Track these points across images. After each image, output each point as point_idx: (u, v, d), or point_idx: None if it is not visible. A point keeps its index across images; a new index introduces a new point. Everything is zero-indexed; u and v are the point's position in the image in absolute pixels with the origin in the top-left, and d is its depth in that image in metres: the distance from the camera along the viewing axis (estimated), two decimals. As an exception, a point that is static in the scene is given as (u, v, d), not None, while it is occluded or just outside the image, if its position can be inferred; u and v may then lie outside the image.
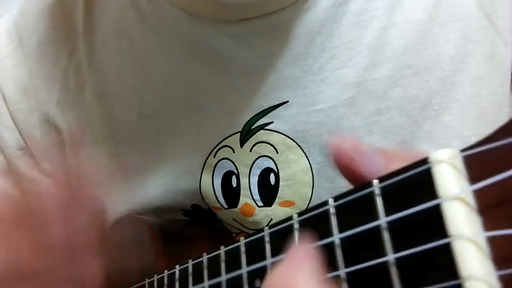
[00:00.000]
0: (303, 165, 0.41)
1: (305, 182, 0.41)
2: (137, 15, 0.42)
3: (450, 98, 0.38)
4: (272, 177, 0.41)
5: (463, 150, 0.17)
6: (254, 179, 0.42)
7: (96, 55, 0.44)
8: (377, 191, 0.19)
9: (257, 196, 0.42)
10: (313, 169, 0.41)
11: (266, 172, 0.42)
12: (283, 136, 0.41)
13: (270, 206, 0.42)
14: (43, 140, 0.47)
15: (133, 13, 0.42)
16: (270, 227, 0.24)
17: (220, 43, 0.40)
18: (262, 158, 0.41)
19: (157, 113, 0.43)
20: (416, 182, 0.18)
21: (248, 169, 0.42)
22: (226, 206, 0.43)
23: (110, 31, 0.43)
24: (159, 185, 0.44)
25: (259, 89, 0.40)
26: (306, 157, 0.41)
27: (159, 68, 0.42)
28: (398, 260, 0.18)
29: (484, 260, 0.16)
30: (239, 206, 0.43)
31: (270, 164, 0.41)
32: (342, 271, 0.20)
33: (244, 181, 0.42)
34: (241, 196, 0.42)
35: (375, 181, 0.19)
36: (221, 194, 0.43)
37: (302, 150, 0.41)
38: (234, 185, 0.42)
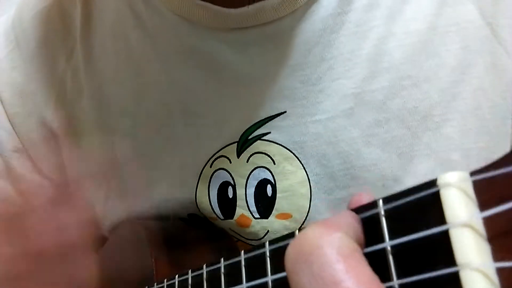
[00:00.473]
0: (301, 177, 0.40)
1: (303, 194, 0.40)
2: (135, 19, 0.42)
3: (450, 110, 0.38)
4: (269, 189, 0.41)
5: (472, 174, 0.17)
6: (251, 190, 0.41)
7: (94, 59, 0.43)
8: (382, 212, 0.18)
9: (253, 208, 0.41)
10: (310, 180, 0.40)
11: (263, 183, 0.41)
12: (281, 147, 0.40)
13: (267, 218, 0.41)
14: (41, 144, 0.46)
15: (130, 18, 0.42)
16: (271, 243, 0.24)
17: (217, 51, 0.39)
18: (259, 169, 0.41)
19: (152, 120, 0.42)
20: (423, 205, 0.17)
21: (245, 180, 0.41)
22: (222, 217, 0.42)
23: (107, 35, 0.43)
24: (154, 194, 0.43)
25: (256, 99, 0.40)
26: (304, 168, 0.40)
27: (156, 75, 0.41)
28: (402, 287, 0.17)
29: (493, 290, 0.15)
30: (235, 217, 0.42)
31: (267, 175, 0.41)
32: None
33: (240, 192, 0.41)
34: (237, 207, 0.42)
35: (380, 202, 0.18)
36: (217, 205, 0.42)
37: (300, 161, 0.40)
38: (231, 196, 0.41)
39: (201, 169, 0.41)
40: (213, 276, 0.27)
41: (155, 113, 0.42)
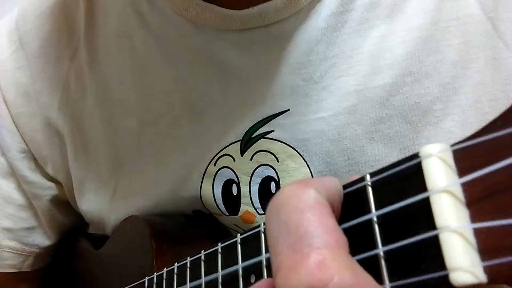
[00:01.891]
0: (304, 174, 0.41)
1: None
2: (139, 20, 0.42)
3: (451, 104, 0.38)
4: (273, 186, 0.42)
5: (453, 145, 0.17)
6: (255, 188, 0.42)
7: (98, 59, 0.44)
8: (368, 185, 0.19)
9: (257, 204, 0.42)
10: (314, 178, 0.41)
11: (266, 181, 0.42)
12: (284, 144, 0.41)
13: None
14: (46, 144, 0.47)
15: (135, 18, 0.42)
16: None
17: (221, 52, 0.40)
18: (262, 166, 0.42)
19: (157, 120, 0.43)
20: (406, 176, 0.18)
21: (249, 178, 0.42)
22: (227, 213, 0.43)
23: (111, 35, 0.44)
24: (159, 192, 0.44)
25: (260, 98, 0.40)
26: (307, 165, 0.41)
27: (160, 75, 0.42)
28: (387, 253, 0.18)
29: (470, 251, 0.16)
30: (239, 213, 0.43)
31: (270, 172, 0.42)
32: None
33: (244, 189, 0.42)
34: (241, 204, 0.42)
35: (367, 176, 0.19)
36: (221, 202, 0.43)
37: (303, 158, 0.41)
38: (235, 193, 0.42)
39: (205, 168, 0.42)
40: (211, 257, 0.28)
41: (160, 113, 0.43)
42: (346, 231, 0.19)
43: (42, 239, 0.53)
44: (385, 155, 0.39)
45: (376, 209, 0.19)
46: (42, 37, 0.46)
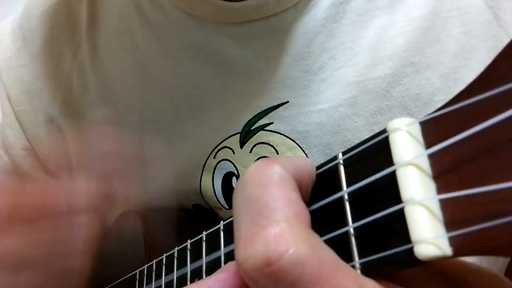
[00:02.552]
0: None
1: None
2: (140, 16, 0.43)
3: (452, 95, 0.37)
4: (273, 178, 0.41)
5: (421, 117, 0.17)
6: None
7: (100, 56, 0.45)
8: (340, 163, 0.19)
9: None
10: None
11: (266, 173, 0.41)
12: (284, 136, 0.41)
13: None
14: (48, 141, 0.48)
15: (135, 15, 0.43)
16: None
17: (222, 46, 0.40)
18: (262, 159, 0.41)
19: (158, 115, 0.43)
20: (375, 151, 0.18)
21: None
22: (227, 207, 0.43)
23: (113, 32, 0.44)
24: (160, 186, 0.44)
25: (259, 90, 0.40)
26: (307, 158, 0.41)
27: (161, 70, 0.43)
28: (357, 230, 0.17)
29: (435, 223, 0.15)
30: None
31: None
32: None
33: None
34: None
35: (340, 154, 0.19)
36: (221, 195, 0.43)
37: (303, 151, 0.41)
38: (235, 186, 0.42)
39: (204, 160, 0.42)
40: (196, 246, 0.28)
41: (161, 108, 0.43)
42: (318, 211, 0.19)
43: None
44: None
45: (347, 186, 0.18)
46: (45, 35, 0.47)
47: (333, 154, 0.39)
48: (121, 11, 0.44)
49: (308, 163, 0.20)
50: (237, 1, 0.39)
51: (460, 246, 0.15)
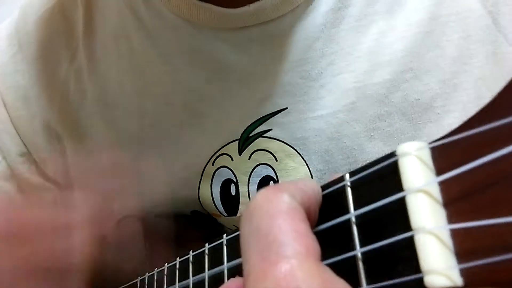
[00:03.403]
0: (303, 173, 0.40)
1: None
2: (136, 21, 0.42)
3: (452, 101, 0.37)
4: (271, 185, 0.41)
5: (431, 142, 0.17)
6: (253, 187, 0.42)
7: (97, 61, 0.44)
8: (348, 185, 0.19)
9: None
10: (313, 177, 0.40)
11: (265, 180, 0.41)
12: (282, 143, 0.40)
13: None
14: (46, 147, 0.47)
15: (132, 20, 0.42)
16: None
17: (219, 51, 0.40)
18: (261, 166, 0.41)
19: (156, 121, 0.43)
20: (383, 175, 0.17)
21: (247, 177, 0.42)
22: (225, 214, 0.43)
23: (110, 37, 0.43)
24: (158, 192, 0.44)
25: (257, 96, 0.40)
26: (306, 164, 0.40)
27: (159, 76, 0.42)
28: (365, 255, 0.17)
29: (446, 253, 0.15)
30: (238, 214, 0.42)
31: (269, 172, 0.41)
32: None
33: (243, 189, 0.42)
34: (240, 204, 0.42)
35: (347, 175, 0.19)
36: (220, 202, 0.42)
37: (302, 157, 0.40)
38: (233, 193, 0.42)
39: (203, 167, 0.42)
40: (198, 258, 0.28)
41: (159, 114, 0.42)
42: (325, 232, 0.19)
43: None
44: (385, 153, 0.38)
45: (355, 209, 0.18)
46: (41, 40, 0.46)
47: (333, 161, 0.39)
48: (118, 16, 0.43)
49: (315, 188, 0.19)
50: (234, 7, 0.38)
51: (471, 277, 0.15)
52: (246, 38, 0.39)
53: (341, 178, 0.19)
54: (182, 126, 0.42)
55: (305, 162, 0.40)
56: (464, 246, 0.15)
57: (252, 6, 0.38)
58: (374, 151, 0.39)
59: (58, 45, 0.45)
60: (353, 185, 0.18)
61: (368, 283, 0.17)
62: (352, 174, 0.19)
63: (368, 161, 0.38)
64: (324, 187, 0.20)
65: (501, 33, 0.37)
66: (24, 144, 0.47)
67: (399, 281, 0.16)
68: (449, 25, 0.37)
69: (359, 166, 0.38)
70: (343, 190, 0.19)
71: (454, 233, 0.15)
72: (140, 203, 0.44)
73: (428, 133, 0.37)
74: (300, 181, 0.19)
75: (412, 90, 0.38)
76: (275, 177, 0.41)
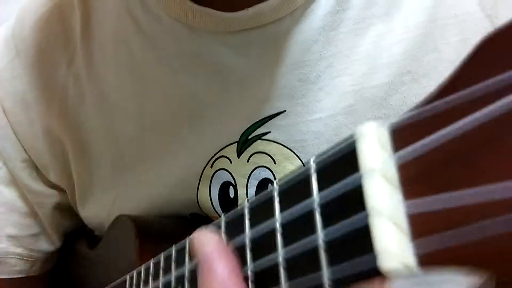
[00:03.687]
0: None
1: None
2: (135, 25, 0.42)
3: None
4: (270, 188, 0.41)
5: (391, 122, 0.16)
6: (252, 190, 0.41)
7: (95, 65, 0.44)
8: (312, 168, 0.18)
9: None
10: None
11: (264, 183, 0.41)
12: (281, 146, 0.40)
13: None
14: (47, 152, 0.47)
15: (130, 23, 0.42)
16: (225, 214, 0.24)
17: (218, 54, 0.40)
18: (259, 168, 0.41)
19: (155, 125, 0.43)
20: (342, 157, 0.17)
21: (246, 180, 0.41)
22: (224, 217, 0.42)
23: (108, 41, 0.43)
24: (156, 195, 0.44)
25: (256, 99, 0.40)
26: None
27: (158, 79, 0.42)
28: (326, 237, 0.17)
29: (400, 234, 0.14)
30: None
31: (268, 174, 0.41)
32: (281, 256, 0.19)
33: (241, 192, 0.41)
34: (239, 207, 0.42)
35: (312, 159, 0.18)
36: (218, 205, 0.42)
37: (301, 160, 0.40)
38: (232, 196, 0.42)
39: (201, 170, 0.42)
40: (180, 252, 0.27)
41: (158, 118, 0.42)
42: (291, 219, 0.19)
43: (47, 245, 0.53)
44: None
45: (319, 191, 0.18)
46: (38, 44, 0.46)
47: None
48: (116, 20, 0.43)
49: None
50: (232, 11, 0.38)
51: (425, 257, 0.14)
52: (245, 41, 0.39)
53: (308, 162, 0.19)
54: (180, 128, 0.42)
55: (303, 164, 0.39)
56: (419, 226, 0.14)
57: (250, 10, 0.38)
58: None
59: (55, 49, 0.45)
60: (317, 168, 0.18)
61: (328, 266, 0.16)
62: (317, 157, 0.18)
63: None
64: (292, 172, 0.20)
65: None
66: (25, 150, 0.47)
67: (355, 262, 0.15)
68: (448, 28, 0.37)
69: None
70: (308, 173, 0.18)
71: (409, 214, 0.15)
72: (138, 205, 0.44)
73: None
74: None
75: (410, 93, 0.37)
76: (273, 180, 0.41)
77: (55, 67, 0.45)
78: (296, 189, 0.19)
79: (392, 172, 0.15)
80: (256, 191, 0.41)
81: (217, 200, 0.42)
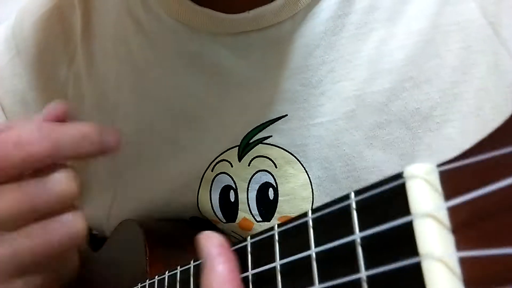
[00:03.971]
0: (303, 180, 0.40)
1: (305, 197, 0.40)
2: (135, 25, 0.42)
3: (451, 110, 0.37)
4: (271, 192, 0.41)
5: (440, 165, 0.16)
6: (253, 194, 0.41)
7: (95, 64, 0.44)
8: (353, 204, 0.18)
9: (255, 211, 0.41)
10: (312, 184, 0.40)
11: (264, 187, 0.41)
12: (282, 150, 0.40)
13: (269, 221, 0.41)
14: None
15: (131, 23, 0.42)
16: (252, 237, 0.24)
17: (218, 56, 0.40)
18: (260, 172, 0.41)
19: (155, 126, 0.42)
20: (390, 197, 0.17)
21: (246, 184, 0.41)
22: (224, 221, 0.42)
23: (108, 41, 0.43)
24: (157, 198, 0.43)
25: (258, 103, 0.40)
26: (306, 171, 0.40)
27: (157, 80, 0.42)
28: (370, 278, 0.17)
29: (454, 281, 0.15)
30: (237, 220, 0.42)
31: (268, 178, 0.41)
32: (318, 287, 0.19)
33: (242, 196, 0.41)
34: (239, 211, 0.42)
35: (352, 194, 0.18)
36: (219, 208, 0.42)
37: (302, 164, 0.40)
38: (232, 200, 0.42)
39: (202, 173, 0.42)
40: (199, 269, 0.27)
41: (157, 119, 0.42)
42: (329, 252, 0.19)
43: None
44: (384, 161, 0.38)
45: (360, 230, 0.18)
46: (39, 44, 0.45)
47: (332, 168, 0.39)
48: (116, 20, 0.43)
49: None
50: (233, 13, 0.38)
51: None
52: (246, 43, 0.39)
53: (346, 197, 0.19)
54: (181, 131, 0.42)
55: (305, 169, 0.40)
56: (472, 274, 0.15)
57: (251, 12, 0.38)
58: (373, 159, 0.38)
59: (56, 48, 0.45)
60: (358, 205, 0.18)
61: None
62: (357, 193, 0.18)
63: (367, 169, 0.38)
64: (328, 204, 0.20)
65: (503, 46, 0.36)
66: None
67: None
68: (450, 35, 0.37)
69: (358, 173, 0.38)
70: (347, 209, 0.18)
71: (462, 261, 0.15)
72: (137, 207, 0.44)
73: (428, 142, 0.37)
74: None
75: (411, 99, 0.38)
76: (274, 184, 0.41)
77: (55, 67, 0.45)
78: (334, 222, 0.19)
79: (445, 217, 0.16)
80: (256, 195, 0.41)
81: (218, 204, 0.42)
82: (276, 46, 0.39)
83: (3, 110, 0.47)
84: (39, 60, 0.45)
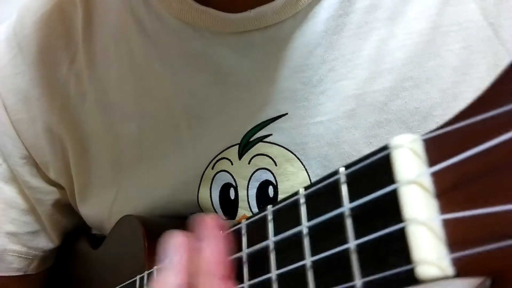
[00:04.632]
0: (302, 178, 0.40)
1: None
2: (137, 24, 0.42)
3: (451, 110, 0.37)
4: (270, 190, 0.41)
5: (424, 134, 0.17)
6: (253, 192, 0.41)
7: (96, 64, 0.44)
8: (342, 178, 0.19)
9: (255, 209, 0.42)
10: (312, 181, 0.40)
11: (264, 185, 0.41)
12: (282, 148, 0.40)
13: None
14: (47, 150, 0.47)
15: (132, 22, 0.42)
16: (247, 219, 0.25)
17: (220, 55, 0.40)
18: (260, 170, 0.41)
19: (156, 124, 0.43)
20: (376, 168, 0.17)
21: (247, 182, 0.41)
22: (224, 218, 0.43)
23: (110, 40, 0.43)
24: (157, 196, 0.44)
25: (258, 101, 0.40)
26: (305, 169, 0.40)
27: (159, 79, 0.42)
28: (359, 247, 0.17)
29: (437, 244, 0.15)
30: (237, 218, 0.42)
31: (268, 176, 0.41)
32: (308, 260, 0.19)
33: (242, 193, 0.42)
34: (239, 209, 0.42)
35: (341, 169, 0.19)
36: (219, 206, 0.42)
37: (301, 162, 0.40)
38: (232, 198, 0.42)
39: (202, 171, 0.42)
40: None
41: (159, 117, 0.42)
42: (320, 225, 0.19)
43: (46, 242, 0.53)
44: None
45: (350, 201, 0.18)
46: (40, 42, 0.45)
47: (331, 166, 0.39)
48: (118, 19, 0.43)
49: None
50: (235, 12, 0.38)
51: (462, 267, 0.15)
52: (247, 42, 0.40)
53: (335, 172, 0.19)
54: (181, 129, 0.42)
55: (304, 167, 0.40)
56: (456, 236, 0.15)
57: (253, 12, 0.38)
58: None
59: (57, 47, 0.45)
60: (347, 178, 0.18)
61: (361, 276, 0.17)
62: (347, 167, 0.19)
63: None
64: (319, 181, 0.20)
65: (503, 47, 0.37)
66: (25, 147, 0.47)
67: (391, 272, 0.16)
68: (450, 35, 0.37)
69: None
70: (337, 183, 0.19)
71: (446, 224, 0.15)
72: (138, 206, 0.44)
73: None
74: None
75: (411, 98, 0.38)
76: (274, 182, 0.41)
77: (57, 65, 0.45)
78: (324, 196, 0.19)
79: (429, 183, 0.16)
80: (256, 193, 0.41)
81: (218, 202, 0.42)
82: (277, 45, 0.39)
83: (5, 109, 0.47)
84: (40, 58, 0.45)
